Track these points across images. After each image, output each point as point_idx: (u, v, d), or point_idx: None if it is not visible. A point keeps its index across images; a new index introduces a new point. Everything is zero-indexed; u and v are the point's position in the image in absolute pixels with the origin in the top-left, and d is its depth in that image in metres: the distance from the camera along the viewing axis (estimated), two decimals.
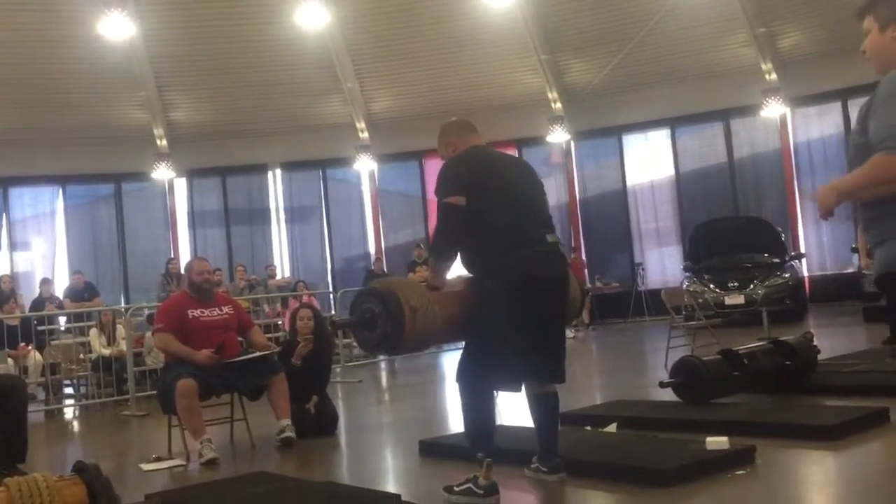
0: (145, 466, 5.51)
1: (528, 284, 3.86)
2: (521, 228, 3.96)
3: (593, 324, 15.71)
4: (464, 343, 4.16)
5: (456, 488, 3.88)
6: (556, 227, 4.16)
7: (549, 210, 4.24)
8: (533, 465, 4.05)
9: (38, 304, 12.22)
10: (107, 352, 9.91)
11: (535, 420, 4.07)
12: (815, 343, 6.36)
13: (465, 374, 3.98)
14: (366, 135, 17.85)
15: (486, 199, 3.91)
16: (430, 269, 4.05)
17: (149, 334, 10.11)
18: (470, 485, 3.82)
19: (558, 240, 4.09)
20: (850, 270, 14.18)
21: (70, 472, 3.18)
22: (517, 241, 3.91)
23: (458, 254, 4.01)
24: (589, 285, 16.03)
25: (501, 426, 4.32)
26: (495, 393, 4.03)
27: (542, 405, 4.05)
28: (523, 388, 4.10)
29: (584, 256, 16.71)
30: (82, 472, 3.10)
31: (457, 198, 3.89)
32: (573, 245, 16.86)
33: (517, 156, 4.56)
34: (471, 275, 4.05)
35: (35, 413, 9.01)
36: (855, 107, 15.41)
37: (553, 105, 17.29)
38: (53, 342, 10.48)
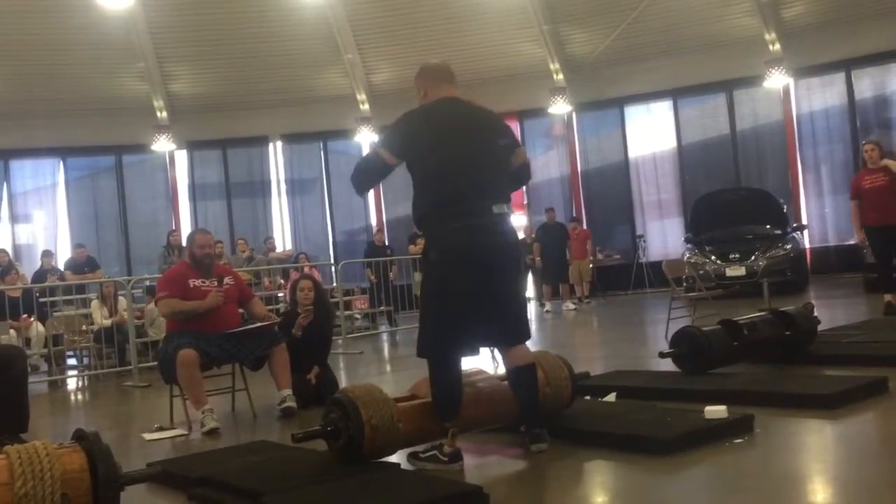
0: (147, 436, 5.54)
1: (470, 256, 3.90)
2: (466, 198, 3.94)
3: (594, 296, 15.72)
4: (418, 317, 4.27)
5: (421, 454, 3.97)
6: (504, 196, 4.10)
7: (506, 171, 4.14)
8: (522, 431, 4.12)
9: (39, 275, 12.25)
10: (107, 322, 9.94)
11: (513, 392, 4.12)
12: (815, 314, 6.37)
13: (426, 346, 4.04)
14: (366, 107, 17.79)
15: (432, 167, 3.94)
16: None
17: (150, 306, 10.14)
18: (435, 452, 3.92)
19: (505, 211, 4.03)
20: (852, 242, 14.14)
21: (70, 440, 3.19)
22: (460, 211, 3.91)
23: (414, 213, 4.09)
24: (592, 256, 16.01)
25: None
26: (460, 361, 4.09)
27: (516, 378, 4.09)
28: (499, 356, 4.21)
29: (584, 225, 16.60)
30: (82, 439, 3.11)
31: (390, 156, 4.03)
32: (574, 216, 16.81)
33: (486, 112, 4.34)
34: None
35: (38, 384, 9.07)
36: (859, 77, 15.41)
37: (555, 76, 17.20)
38: (56, 314, 10.51)
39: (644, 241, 16.84)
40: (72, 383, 9.77)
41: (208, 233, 6.37)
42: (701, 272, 11.66)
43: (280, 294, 12.31)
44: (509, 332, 4.08)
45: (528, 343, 4.19)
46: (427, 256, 4.02)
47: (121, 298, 10.26)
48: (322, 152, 18.56)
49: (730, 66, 15.91)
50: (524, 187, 17.83)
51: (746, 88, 16.37)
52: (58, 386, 9.46)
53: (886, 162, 8.65)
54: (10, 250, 13.42)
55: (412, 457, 4.00)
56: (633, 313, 12.90)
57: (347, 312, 12.64)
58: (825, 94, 15.95)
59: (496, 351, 4.50)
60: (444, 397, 3.98)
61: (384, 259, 13.42)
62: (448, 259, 3.91)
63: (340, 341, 10.61)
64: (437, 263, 3.95)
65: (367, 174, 4.21)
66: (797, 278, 13.08)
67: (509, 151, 4.17)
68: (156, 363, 7.45)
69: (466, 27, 16.47)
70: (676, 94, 16.87)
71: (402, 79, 17.44)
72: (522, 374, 4.07)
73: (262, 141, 18.19)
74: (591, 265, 15.79)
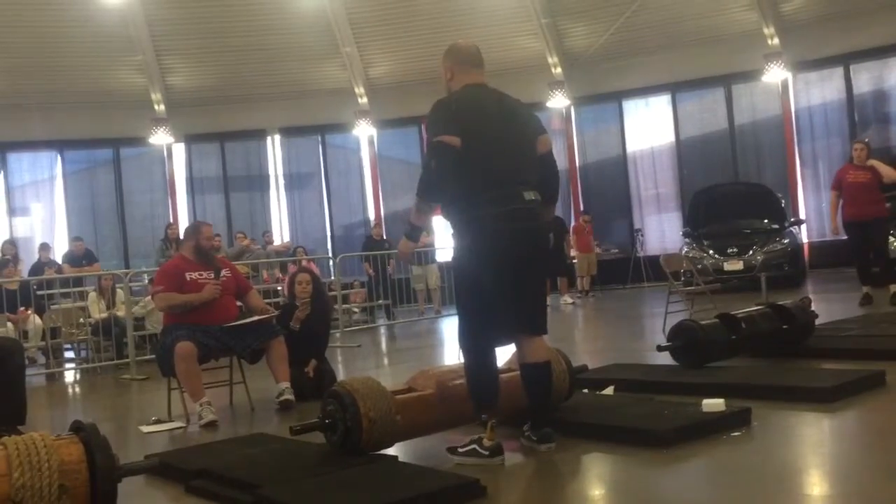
0: (145, 428, 5.55)
1: (505, 243, 3.83)
2: (502, 184, 3.88)
3: (593, 290, 15.74)
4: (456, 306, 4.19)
5: (460, 449, 3.89)
6: (534, 183, 4.02)
7: (535, 158, 4.08)
8: (525, 433, 4.04)
9: (37, 268, 12.23)
10: (104, 315, 9.93)
11: (525, 389, 4.04)
12: (812, 308, 6.38)
13: (463, 336, 4.01)
14: (365, 100, 17.76)
15: (472, 148, 3.83)
16: (414, 211, 3.98)
17: (148, 298, 10.14)
18: (474, 445, 3.84)
19: (534, 197, 3.97)
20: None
21: (68, 431, 3.19)
22: (494, 197, 3.84)
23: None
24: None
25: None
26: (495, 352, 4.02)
27: (531, 375, 4.01)
28: (517, 357, 4.12)
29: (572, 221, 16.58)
30: (80, 431, 3.11)
31: (452, 137, 3.81)
32: (585, 209, 16.78)
33: (514, 100, 4.32)
34: (448, 223, 4.02)
35: (36, 376, 9.08)
36: (857, 72, 15.41)
37: (553, 70, 17.18)
38: (53, 306, 10.50)
39: (642, 235, 16.86)
40: (69, 376, 9.76)
41: (211, 224, 6.47)
42: (699, 266, 11.67)
43: (279, 287, 12.30)
44: (532, 322, 3.99)
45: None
46: (460, 244, 3.95)
47: (118, 291, 10.25)
48: (320, 146, 18.53)
49: (728, 61, 15.89)
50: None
51: (745, 83, 16.36)
52: (55, 379, 9.46)
53: (873, 162, 9.00)
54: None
55: (450, 451, 3.93)
56: (631, 307, 12.91)
57: (345, 306, 12.64)
58: (823, 89, 15.94)
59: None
60: (483, 388, 3.93)
61: (382, 253, 13.42)
62: (484, 246, 3.84)
63: (338, 335, 10.62)
64: (472, 251, 3.88)
65: (443, 169, 3.82)
66: (795, 273, 13.10)
67: (535, 138, 4.12)
68: (153, 356, 7.47)
69: (465, 20, 16.42)
70: (675, 89, 16.87)
71: (401, 72, 17.47)
72: (538, 372, 3.99)
73: (260, 134, 18.17)
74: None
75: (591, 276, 15.59)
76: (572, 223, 16.30)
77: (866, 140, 10.38)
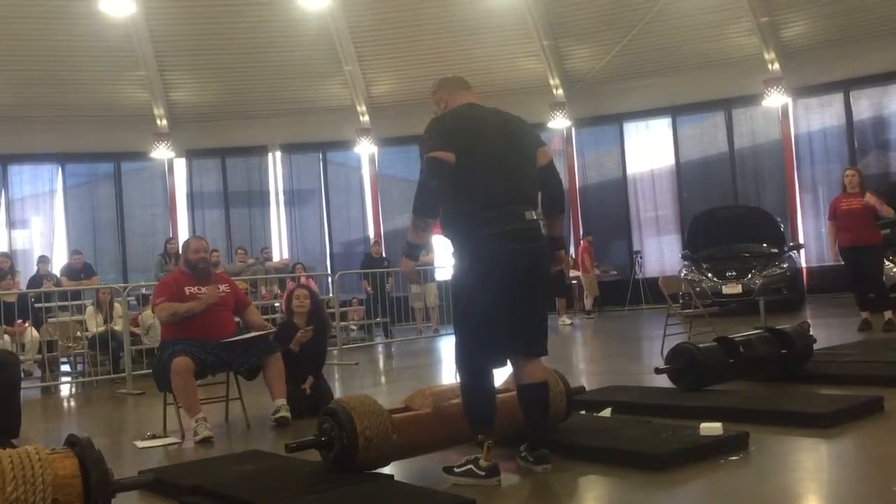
0: (140, 444, 5.52)
1: (505, 263, 3.80)
2: (502, 203, 3.85)
3: (594, 311, 15.75)
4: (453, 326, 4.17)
5: (456, 469, 3.86)
6: (535, 201, 4.00)
7: (535, 173, 4.04)
8: (522, 454, 4.02)
9: (35, 281, 12.21)
10: (101, 329, 9.90)
11: (522, 410, 4.01)
12: (811, 333, 6.37)
13: (460, 356, 3.99)
14: (366, 118, 17.82)
15: (470, 166, 3.82)
16: (412, 228, 3.91)
17: (145, 313, 10.13)
18: (471, 466, 3.81)
19: (535, 217, 3.95)
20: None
21: (62, 446, 3.18)
22: (494, 217, 3.81)
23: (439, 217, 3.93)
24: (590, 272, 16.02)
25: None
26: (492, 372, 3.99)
27: (528, 395, 3.98)
28: (514, 378, 4.09)
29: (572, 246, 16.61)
30: (74, 445, 3.10)
31: (446, 153, 3.79)
32: (586, 231, 16.82)
33: (511, 115, 4.26)
34: (448, 241, 4.00)
35: (31, 390, 9.05)
36: (857, 98, 15.48)
37: (554, 91, 17.25)
38: (50, 319, 10.47)
39: (641, 258, 16.87)
40: (65, 389, 9.73)
41: (202, 239, 6.44)
42: (697, 289, 11.68)
43: (276, 304, 12.29)
44: (530, 344, 3.95)
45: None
46: (459, 263, 3.94)
47: (116, 305, 10.23)
48: (321, 163, 18.58)
49: (729, 85, 15.97)
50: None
51: (745, 107, 16.43)
52: (51, 392, 9.43)
53: (868, 197, 9.04)
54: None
55: (446, 471, 3.90)
56: (629, 329, 12.89)
57: (343, 323, 12.62)
58: (823, 115, 16.01)
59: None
60: (480, 409, 3.90)
61: (381, 270, 13.41)
62: (483, 266, 3.81)
63: (336, 352, 10.59)
64: (471, 271, 3.86)
65: (438, 185, 3.81)
66: (793, 297, 13.10)
67: (535, 152, 4.08)
68: (150, 371, 7.44)
69: (467, 41, 16.52)
70: (675, 112, 16.94)
71: (402, 91, 17.52)
72: (535, 392, 3.96)
73: (261, 150, 18.22)
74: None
75: (594, 296, 15.66)
76: (576, 244, 16.31)
77: (857, 167, 10.52)
